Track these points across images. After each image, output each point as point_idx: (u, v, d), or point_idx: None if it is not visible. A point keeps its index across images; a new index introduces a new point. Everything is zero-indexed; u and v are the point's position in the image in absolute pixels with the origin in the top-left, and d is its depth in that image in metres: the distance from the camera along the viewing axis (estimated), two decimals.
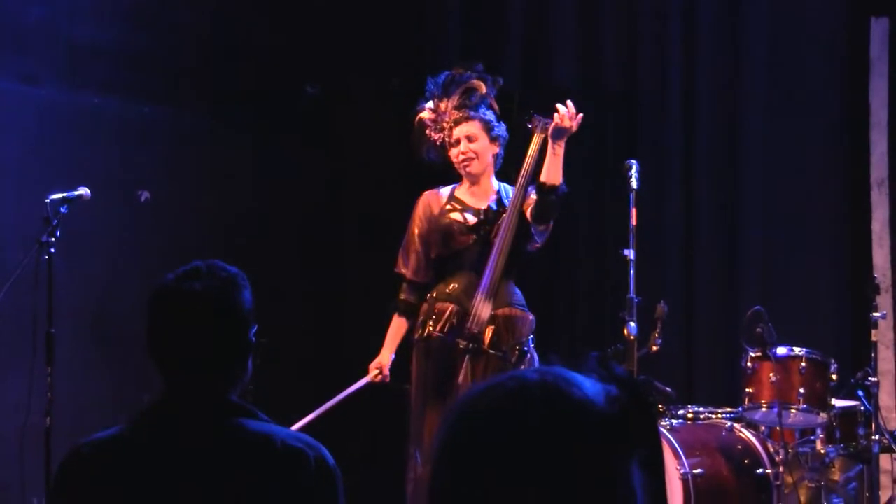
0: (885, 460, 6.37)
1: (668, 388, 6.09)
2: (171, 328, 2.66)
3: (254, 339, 2.71)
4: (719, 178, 7.43)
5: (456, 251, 5.74)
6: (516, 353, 5.57)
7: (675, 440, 5.70)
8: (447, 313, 5.64)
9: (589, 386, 1.40)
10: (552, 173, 5.52)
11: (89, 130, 6.75)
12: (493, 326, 5.59)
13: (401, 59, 7.79)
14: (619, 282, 5.97)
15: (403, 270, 5.87)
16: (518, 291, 5.75)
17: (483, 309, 5.59)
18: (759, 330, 5.83)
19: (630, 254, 5.72)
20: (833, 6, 7.22)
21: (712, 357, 7.27)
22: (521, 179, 5.67)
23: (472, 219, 5.73)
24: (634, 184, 5.80)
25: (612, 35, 7.69)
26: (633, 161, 5.87)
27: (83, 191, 5.60)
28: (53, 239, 5.44)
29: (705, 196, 7.43)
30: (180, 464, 2.59)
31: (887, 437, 6.00)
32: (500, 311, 5.63)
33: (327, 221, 7.75)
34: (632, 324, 5.64)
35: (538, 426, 1.36)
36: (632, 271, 5.71)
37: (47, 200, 5.49)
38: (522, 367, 5.49)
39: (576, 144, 7.61)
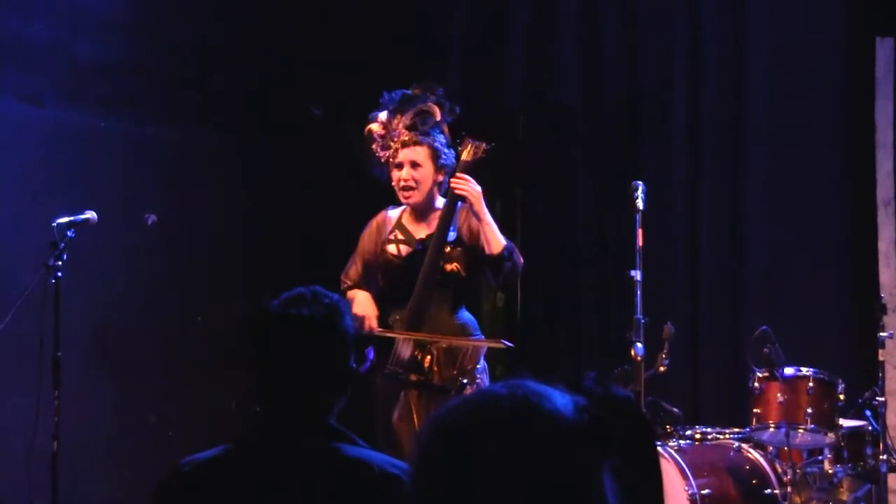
0: (892, 480, 6.37)
1: (675, 409, 6.09)
2: (278, 353, 2.67)
3: (354, 365, 2.72)
4: (724, 198, 7.43)
5: (394, 284, 5.56)
6: (458, 384, 5.33)
7: (683, 461, 5.69)
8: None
9: (558, 398, 1.42)
10: (490, 242, 5.37)
11: (94, 151, 6.73)
12: (429, 359, 5.40)
13: (403, 75, 7.77)
14: (624, 302, 5.96)
15: (344, 278, 5.69)
16: (466, 320, 5.55)
17: (404, 348, 5.44)
18: (766, 350, 5.83)
19: (637, 275, 5.72)
20: (838, 27, 7.23)
21: (719, 377, 7.27)
22: (446, 204, 5.47)
23: (406, 250, 5.54)
24: (640, 205, 5.80)
25: (614, 54, 7.70)
26: (639, 182, 5.87)
27: (90, 214, 5.58)
28: (60, 262, 5.43)
29: (710, 215, 7.43)
30: (278, 486, 2.61)
31: (895, 456, 6.00)
32: (439, 344, 5.41)
33: (332, 238, 7.73)
34: (639, 345, 5.64)
35: (508, 438, 1.38)
36: (639, 292, 5.70)
37: (54, 224, 5.48)
38: None
39: (578, 164, 7.71)
